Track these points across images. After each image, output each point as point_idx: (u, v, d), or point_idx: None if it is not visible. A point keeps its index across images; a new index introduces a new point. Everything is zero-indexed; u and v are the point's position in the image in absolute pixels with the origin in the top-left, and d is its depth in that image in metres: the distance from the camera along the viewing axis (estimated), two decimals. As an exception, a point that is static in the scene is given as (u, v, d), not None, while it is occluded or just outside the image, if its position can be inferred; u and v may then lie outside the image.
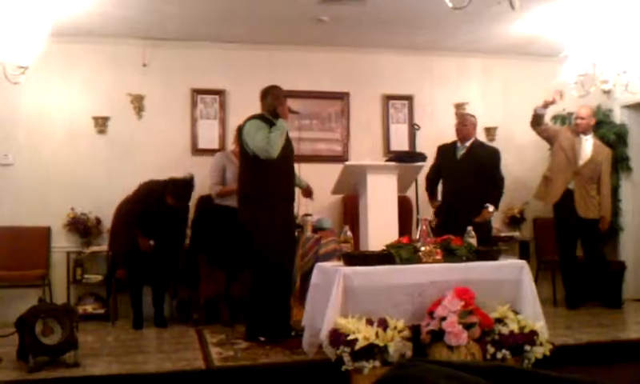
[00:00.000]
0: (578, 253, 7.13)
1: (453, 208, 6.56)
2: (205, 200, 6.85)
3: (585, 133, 6.99)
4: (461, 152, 6.76)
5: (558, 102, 6.97)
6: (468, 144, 6.76)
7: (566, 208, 6.92)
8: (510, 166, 7.85)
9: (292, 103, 5.87)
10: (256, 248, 5.45)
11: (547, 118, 7.31)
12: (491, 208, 6.57)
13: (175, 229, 6.51)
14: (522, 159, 7.98)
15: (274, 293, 5.42)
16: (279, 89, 5.65)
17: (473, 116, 7.02)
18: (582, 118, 6.95)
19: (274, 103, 5.53)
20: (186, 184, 6.30)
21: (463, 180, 6.57)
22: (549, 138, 7.22)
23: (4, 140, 6.92)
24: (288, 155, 5.56)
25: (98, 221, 6.96)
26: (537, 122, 7.05)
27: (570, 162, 6.94)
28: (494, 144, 7.88)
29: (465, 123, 6.80)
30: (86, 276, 6.85)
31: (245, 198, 5.54)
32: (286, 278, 5.53)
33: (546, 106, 6.92)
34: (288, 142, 5.58)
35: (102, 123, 7.12)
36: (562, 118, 7.82)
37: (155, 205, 6.28)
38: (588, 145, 6.98)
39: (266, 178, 5.39)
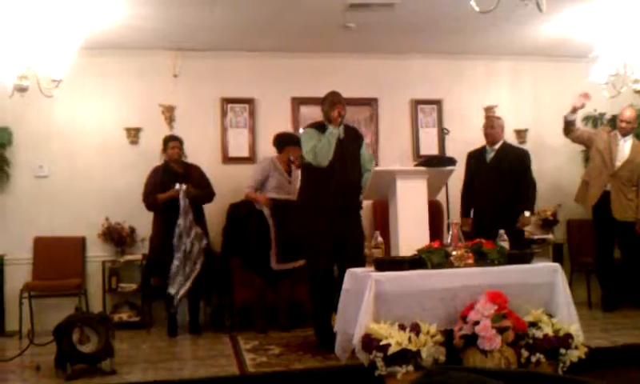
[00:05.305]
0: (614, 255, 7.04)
1: (484, 212, 6.50)
2: (236, 206, 6.91)
3: (626, 135, 6.86)
4: (490, 155, 6.63)
5: (586, 104, 6.81)
6: (497, 147, 6.62)
7: (604, 210, 6.83)
8: (541, 168, 7.77)
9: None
10: (306, 258, 5.66)
11: (578, 120, 7.19)
12: (527, 213, 6.47)
13: (198, 185, 6.58)
14: (553, 161, 7.91)
15: (320, 302, 5.48)
16: (333, 94, 5.54)
17: (499, 118, 6.88)
18: (628, 122, 6.80)
19: (327, 110, 5.49)
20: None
21: (494, 183, 6.48)
22: (584, 142, 7.14)
23: (39, 152, 7.06)
24: (341, 162, 5.44)
25: (132, 230, 7.06)
26: (568, 129, 6.96)
27: (607, 164, 6.84)
28: (524, 147, 7.82)
29: (492, 126, 6.65)
30: (120, 284, 6.94)
31: (301, 207, 5.67)
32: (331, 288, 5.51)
33: (574, 111, 6.82)
34: (344, 149, 5.47)
35: (134, 134, 7.24)
36: (594, 119, 7.75)
37: (163, 174, 6.52)
38: (627, 146, 6.84)
39: (316, 186, 5.46)
